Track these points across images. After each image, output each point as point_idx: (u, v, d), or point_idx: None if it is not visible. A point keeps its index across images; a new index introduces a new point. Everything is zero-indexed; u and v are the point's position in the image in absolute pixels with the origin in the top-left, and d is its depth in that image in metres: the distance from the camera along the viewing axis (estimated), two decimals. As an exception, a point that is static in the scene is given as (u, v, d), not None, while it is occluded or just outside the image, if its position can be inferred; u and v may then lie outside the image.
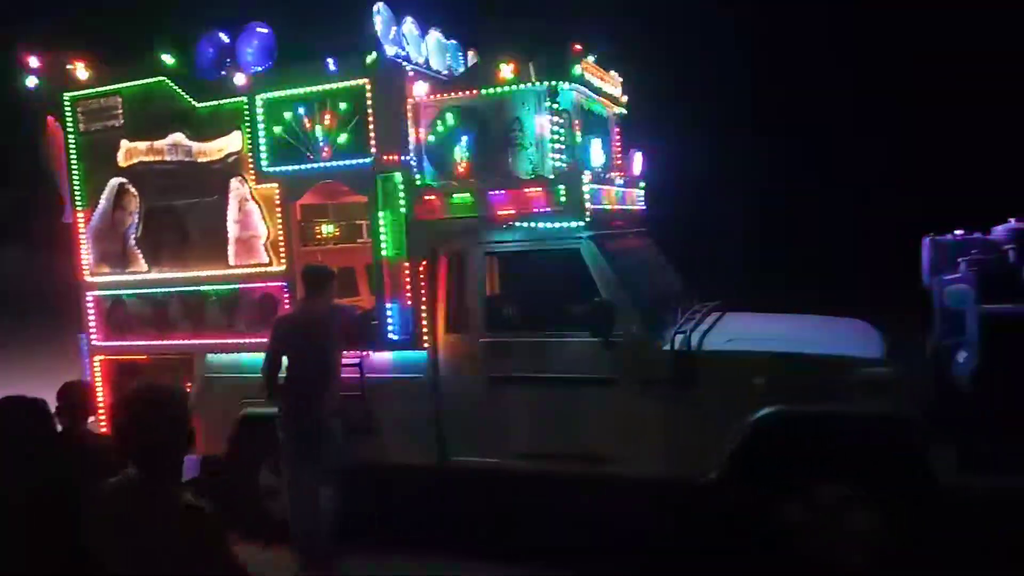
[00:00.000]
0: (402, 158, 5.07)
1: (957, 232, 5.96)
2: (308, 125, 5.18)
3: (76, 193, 5.90)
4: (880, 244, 11.24)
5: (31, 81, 5.90)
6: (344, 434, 4.94)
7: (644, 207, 6.21)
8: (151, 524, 2.26)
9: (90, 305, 5.93)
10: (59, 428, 4.07)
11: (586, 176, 4.85)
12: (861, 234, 12.66)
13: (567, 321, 4.88)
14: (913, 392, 4.58)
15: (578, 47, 5.09)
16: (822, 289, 8.70)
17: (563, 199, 4.76)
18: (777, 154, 14.03)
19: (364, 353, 5.21)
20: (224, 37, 5.40)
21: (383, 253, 5.10)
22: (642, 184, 6.19)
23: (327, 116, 5.12)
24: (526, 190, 4.83)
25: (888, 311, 5.91)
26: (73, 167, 5.89)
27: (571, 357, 4.82)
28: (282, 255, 5.35)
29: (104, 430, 5.73)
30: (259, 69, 5.29)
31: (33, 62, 5.88)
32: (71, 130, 5.87)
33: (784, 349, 4.59)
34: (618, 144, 6.29)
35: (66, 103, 5.85)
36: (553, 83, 4.90)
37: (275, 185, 5.33)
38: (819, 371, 4.44)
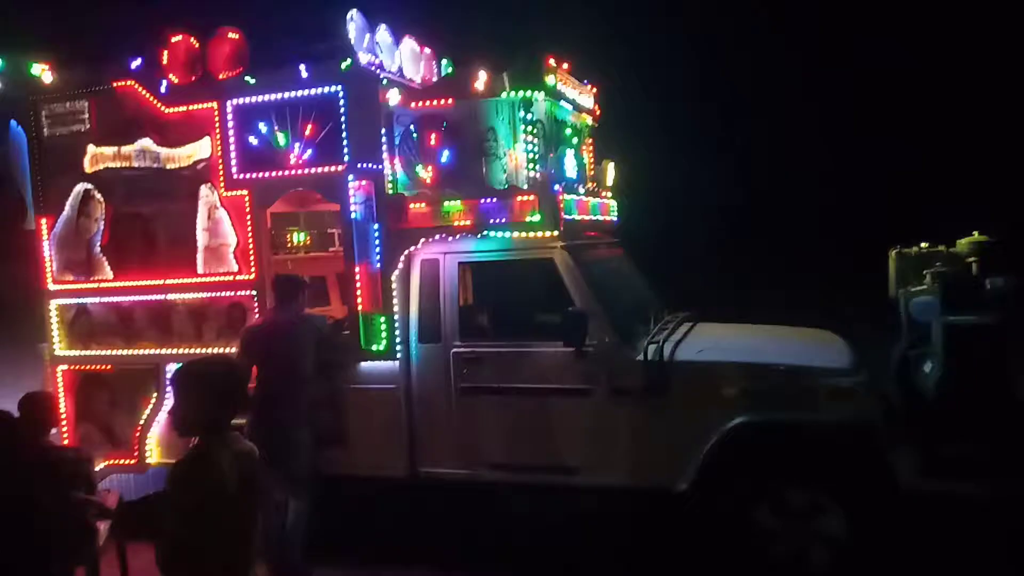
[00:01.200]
0: (375, 166, 5.06)
1: (922, 245, 6.11)
2: (279, 132, 5.14)
3: (40, 199, 5.79)
4: (848, 256, 11.44)
5: (-6, 84, 5.79)
6: (313, 444, 4.90)
7: (617, 218, 6.26)
8: None
9: (53, 313, 5.81)
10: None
11: (560, 187, 4.88)
12: (829, 246, 12.89)
13: (540, 331, 4.91)
14: (878, 400, 4.68)
15: (551, 58, 5.13)
16: (791, 300, 8.85)
17: (537, 209, 4.78)
18: (749, 166, 14.25)
19: (335, 362, 5.16)
20: (194, 42, 5.35)
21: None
22: (615, 195, 6.24)
23: (299, 123, 5.09)
24: (519, 198, 4.84)
25: (855, 322, 6.02)
26: (37, 172, 5.78)
27: (544, 367, 4.84)
28: (252, 263, 5.30)
29: (67, 442, 5.63)
30: (229, 75, 5.25)
31: (-4, 65, 5.77)
32: (35, 135, 5.76)
33: (754, 359, 4.66)
34: (591, 155, 6.34)
35: (31, 107, 5.75)
36: (527, 93, 4.93)
37: (245, 192, 5.28)
38: (787, 381, 4.51)
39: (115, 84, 5.55)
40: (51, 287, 5.81)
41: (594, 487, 4.78)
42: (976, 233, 5.90)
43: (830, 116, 13.91)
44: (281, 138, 5.14)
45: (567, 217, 4.92)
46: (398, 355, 5.07)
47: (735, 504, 4.45)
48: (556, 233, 4.86)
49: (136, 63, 5.51)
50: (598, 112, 6.28)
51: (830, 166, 13.82)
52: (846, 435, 4.36)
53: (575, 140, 5.74)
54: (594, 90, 6.16)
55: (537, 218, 4.80)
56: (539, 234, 4.86)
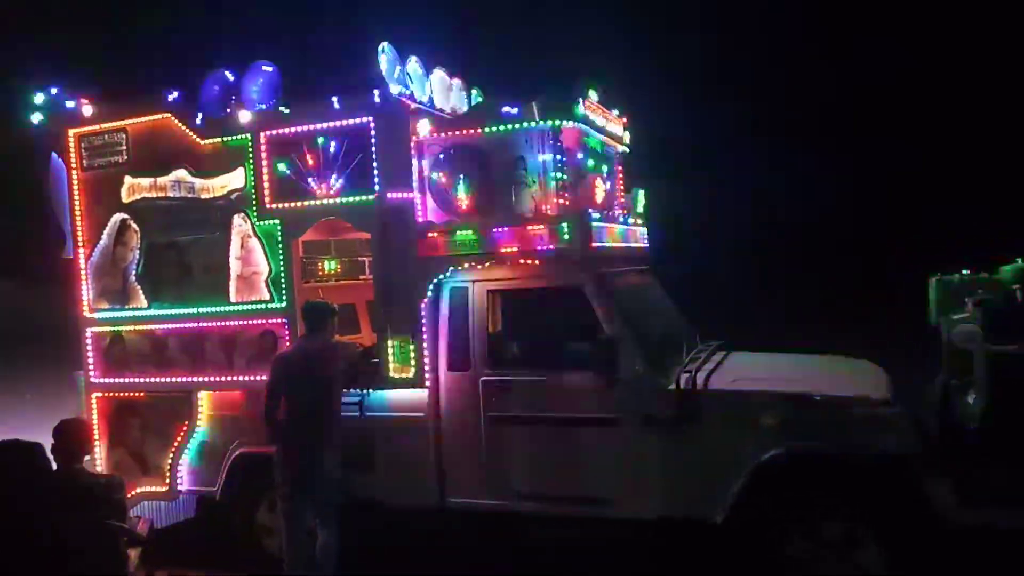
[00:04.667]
0: (405, 195, 5.12)
1: (964, 272, 6.00)
2: (311, 162, 5.24)
3: (78, 228, 5.94)
4: (886, 283, 11.26)
5: (36, 117, 5.98)
6: (343, 472, 4.91)
7: (647, 245, 6.25)
8: None
9: (89, 341, 5.93)
10: (54, 467, 4.06)
11: (589, 214, 4.89)
12: (867, 273, 12.69)
13: (570, 359, 4.89)
14: (917, 431, 4.58)
15: (581, 87, 5.18)
16: (827, 328, 8.72)
17: (567, 236, 4.80)
18: (782, 192, 14.13)
19: (364, 391, 5.20)
20: (229, 75, 5.50)
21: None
22: (644, 222, 6.24)
23: (330, 153, 5.18)
24: (528, 228, 4.87)
25: (894, 351, 5.91)
26: (76, 202, 5.95)
27: (574, 396, 4.82)
28: (283, 292, 5.38)
29: (100, 468, 5.71)
30: (263, 107, 5.37)
31: (38, 98, 5.96)
32: (75, 166, 5.93)
33: (789, 389, 4.59)
34: (621, 182, 6.35)
35: (70, 139, 5.92)
36: (556, 122, 4.97)
37: (277, 222, 5.38)
38: (824, 410, 4.44)
39: (152, 116, 5.70)
40: (87, 315, 5.94)
41: (626, 519, 4.73)
42: (1020, 260, 5.78)
43: (870, 138, 13.78)
44: (313, 168, 5.23)
45: (597, 244, 4.93)
46: (427, 383, 5.09)
47: (770, 536, 4.37)
48: (586, 260, 4.86)
49: (172, 96, 5.66)
50: (628, 140, 6.31)
51: (865, 187, 13.63)
52: (884, 466, 4.27)
53: (605, 168, 5.76)
54: (624, 119, 6.19)
55: (567, 245, 4.81)
56: (569, 261, 4.87)
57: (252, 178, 5.42)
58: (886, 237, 13.22)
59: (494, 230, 4.93)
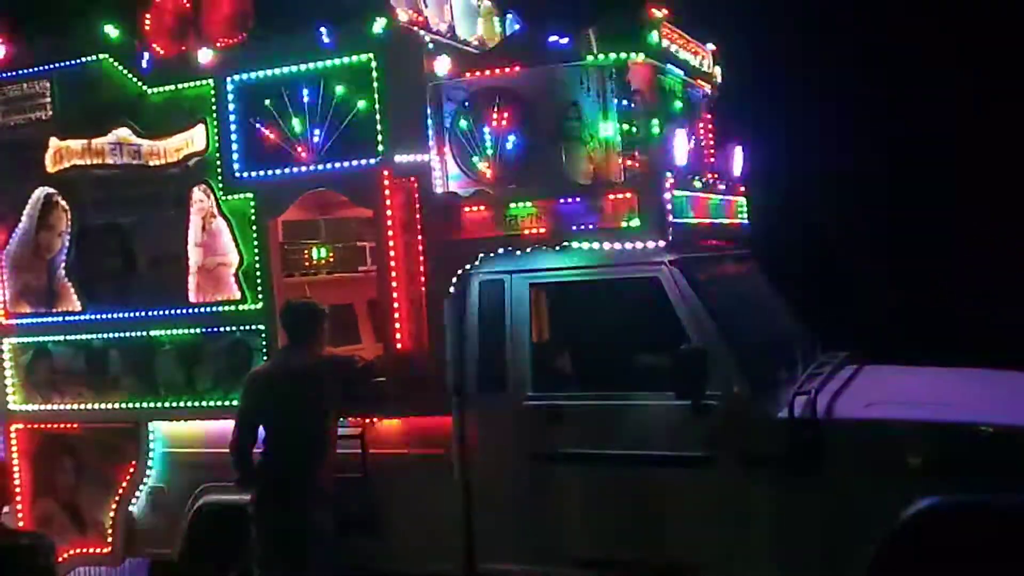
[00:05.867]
0: (418, 158, 5.14)
1: None
2: (294, 116, 5.29)
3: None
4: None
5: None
6: (339, 531, 4.95)
7: (747, 221, 6.20)
8: None
9: (5, 355, 6.07)
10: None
11: (668, 179, 4.86)
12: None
13: (642, 377, 4.88)
14: None
15: (655, 7, 5.14)
16: (987, 335, 8.54)
17: (636, 211, 4.78)
18: (929, 152, 13.83)
19: (367, 420, 5.24)
20: (184, 1, 5.56)
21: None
22: (744, 190, 6.18)
23: (319, 104, 5.22)
24: (612, 197, 4.85)
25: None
26: (-15, 174, 6.09)
27: (647, 427, 4.81)
28: (259, 289, 5.44)
29: (21, 525, 5.84)
30: (230, 43, 5.43)
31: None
32: (-16, 125, 6.08)
33: (947, 417, 4.51)
34: (711, 137, 6.30)
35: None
36: (622, 55, 4.95)
37: (250, 195, 5.44)
38: (994, 446, 4.35)
39: (84, 59, 5.80)
40: (3, 322, 6.07)
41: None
42: None
43: None
44: (296, 124, 5.28)
45: (678, 220, 4.90)
46: (450, 409, 5.11)
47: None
48: (664, 243, 4.83)
49: (112, 32, 5.75)
50: (720, 79, 6.25)
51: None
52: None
53: (688, 117, 5.72)
54: (714, 48, 6.14)
55: (637, 222, 4.79)
56: (640, 244, 4.85)
57: (216, 138, 5.49)
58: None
59: (561, 202, 4.92)
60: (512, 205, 5.02)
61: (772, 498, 4.57)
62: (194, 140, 5.57)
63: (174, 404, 5.65)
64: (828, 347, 5.71)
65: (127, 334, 5.76)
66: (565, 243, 4.97)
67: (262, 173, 5.41)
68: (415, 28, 5.22)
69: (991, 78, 13.31)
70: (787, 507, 4.54)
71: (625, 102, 4.95)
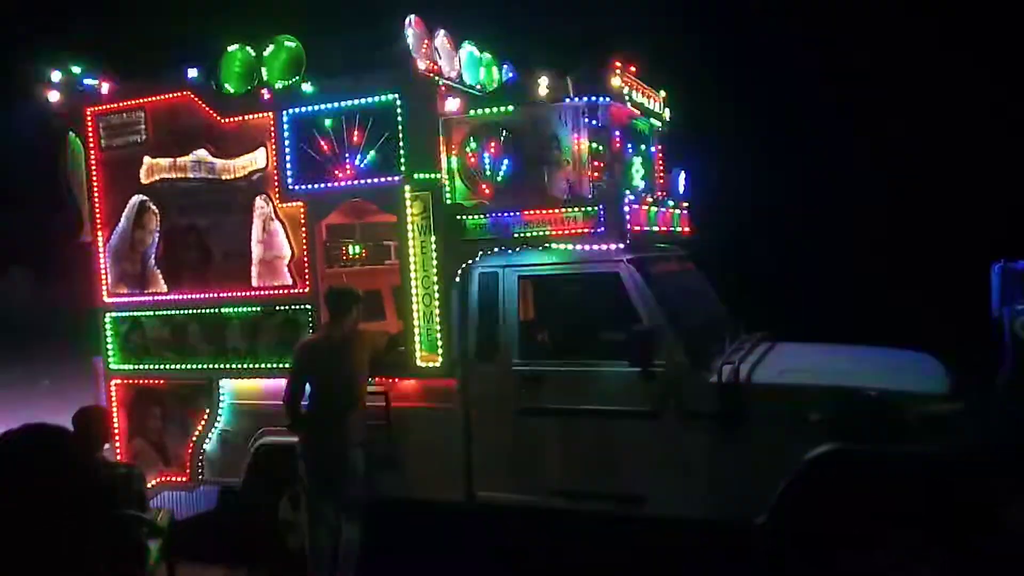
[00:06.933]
0: (433, 176, 5.13)
1: (1030, 258, 5.84)
2: (335, 141, 5.26)
3: (96, 211, 6.04)
4: (946, 269, 11.00)
5: (52, 95, 6.07)
6: (367, 466, 4.96)
7: (688, 230, 6.19)
8: None
9: (107, 327, 6.05)
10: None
11: (627, 196, 4.86)
12: (925, 258, 12.40)
13: (605, 349, 4.88)
14: (981, 431, 4.48)
15: (618, 60, 5.12)
16: (881, 318, 8.56)
17: (602, 220, 4.77)
18: (832, 171, 13.84)
19: (390, 381, 5.23)
20: (251, 51, 5.53)
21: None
22: (686, 205, 6.17)
23: (355, 132, 5.20)
24: (565, 211, 4.84)
25: (953, 342, 5.79)
26: (93, 184, 6.04)
27: (609, 388, 4.81)
28: (306, 277, 5.42)
29: (119, 458, 5.83)
30: (286, 84, 5.40)
31: (55, 76, 6.05)
32: (92, 146, 6.03)
33: (841, 383, 4.52)
34: (661, 162, 6.29)
35: (88, 118, 6.01)
36: (592, 98, 4.93)
37: (300, 204, 5.41)
38: (879, 407, 4.36)
39: (171, 95, 5.77)
40: (106, 300, 6.05)
41: (661, 517, 4.72)
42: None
43: (923, 112, 13.40)
44: (337, 148, 5.26)
45: (634, 228, 4.89)
46: (455, 374, 5.10)
47: (816, 541, 4.31)
48: (622, 245, 4.83)
49: (192, 73, 5.71)
50: (668, 117, 6.23)
51: (936, 166, 13.24)
52: (947, 470, 4.18)
53: (643, 147, 5.71)
54: (663, 94, 6.12)
55: (602, 229, 4.78)
56: (604, 246, 4.84)
57: (274, 159, 5.46)
58: (946, 220, 12.91)
59: (528, 213, 4.91)
60: (490, 215, 5.00)
61: (704, 445, 4.58)
62: (257, 160, 5.53)
63: (239, 366, 5.64)
64: (749, 328, 5.71)
65: (203, 311, 5.74)
66: (546, 244, 4.97)
67: (310, 186, 5.38)
68: (431, 74, 5.19)
69: (878, 100, 13.36)
70: (716, 452, 4.56)
71: (594, 135, 4.93)
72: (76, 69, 6.07)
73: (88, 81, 6.04)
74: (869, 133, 13.46)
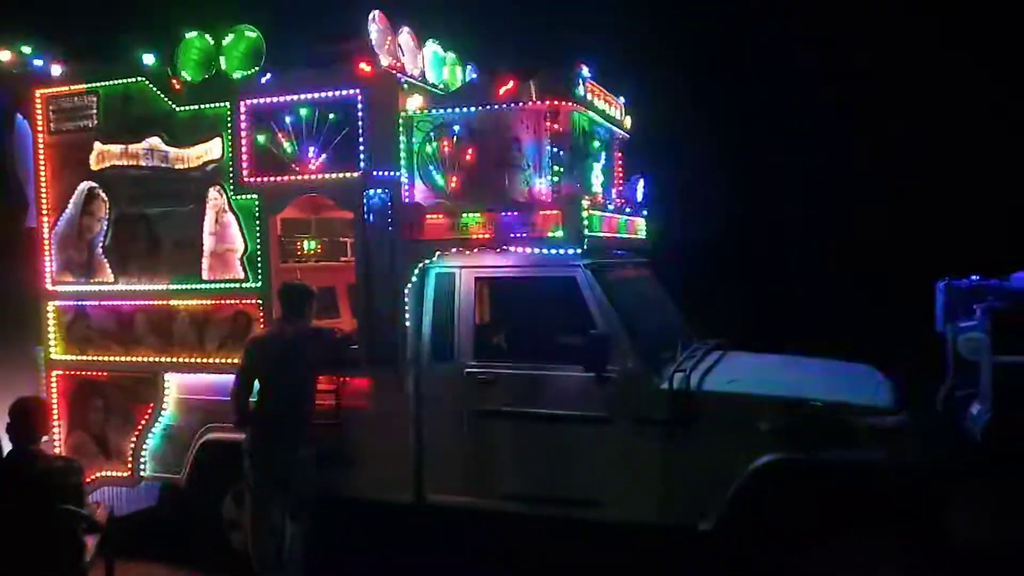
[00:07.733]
0: (391, 174, 5.10)
1: (974, 277, 6.03)
2: (294, 134, 5.20)
3: (42, 196, 5.88)
4: (892, 286, 11.29)
5: (-1, 76, 5.90)
6: (316, 465, 4.91)
7: (645, 237, 6.25)
8: None
9: (50, 315, 5.89)
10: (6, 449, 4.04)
11: (585, 201, 4.88)
12: (872, 274, 12.71)
13: (559, 353, 4.88)
14: (923, 442, 4.61)
15: (581, 66, 5.16)
16: (827, 331, 8.73)
17: (560, 225, 4.79)
18: (789, 186, 14.10)
19: (341, 379, 5.19)
20: (209, 39, 5.44)
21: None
22: (644, 212, 6.24)
23: (314, 126, 5.15)
24: (542, 213, 4.85)
25: (898, 356, 5.94)
26: (41, 168, 5.88)
27: (562, 392, 4.82)
28: (259, 271, 5.35)
29: (58, 451, 5.69)
30: (245, 74, 5.33)
31: (3, 55, 5.89)
32: (41, 129, 5.87)
33: (787, 393, 4.61)
34: (620, 170, 6.34)
35: (37, 100, 5.86)
36: (555, 103, 4.95)
37: (255, 196, 5.34)
38: (823, 417, 4.45)
39: (126, 80, 5.65)
40: (50, 287, 5.89)
41: (613, 522, 4.75)
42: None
43: (869, 130, 13.72)
44: (295, 141, 5.20)
45: (592, 234, 4.92)
46: (408, 372, 5.08)
47: (761, 548, 4.39)
48: (580, 251, 4.86)
49: (149, 58, 5.60)
50: (628, 125, 6.29)
51: (883, 187, 13.56)
52: (889, 478, 4.29)
53: (603, 154, 5.75)
54: (624, 101, 6.18)
55: (560, 234, 4.80)
56: (561, 251, 4.87)
57: (230, 149, 5.38)
58: (893, 237, 13.23)
59: (504, 214, 4.90)
60: (464, 215, 5.00)
61: (656, 450, 4.62)
62: (212, 150, 5.44)
63: (186, 360, 5.53)
64: (701, 336, 5.78)
65: (151, 302, 5.63)
66: (504, 247, 4.97)
67: (266, 179, 5.31)
68: (393, 71, 5.16)
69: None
70: (667, 457, 4.60)
71: (555, 139, 4.95)
72: (26, 49, 5.92)
73: (38, 62, 5.88)
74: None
